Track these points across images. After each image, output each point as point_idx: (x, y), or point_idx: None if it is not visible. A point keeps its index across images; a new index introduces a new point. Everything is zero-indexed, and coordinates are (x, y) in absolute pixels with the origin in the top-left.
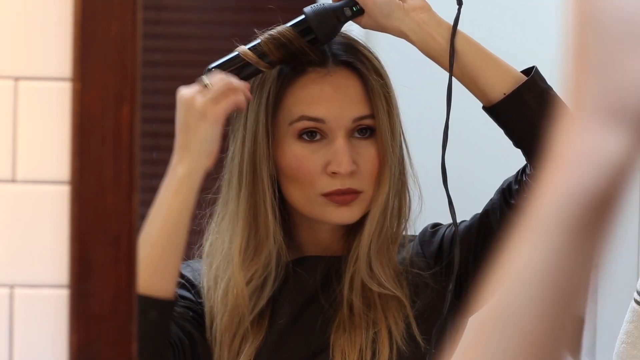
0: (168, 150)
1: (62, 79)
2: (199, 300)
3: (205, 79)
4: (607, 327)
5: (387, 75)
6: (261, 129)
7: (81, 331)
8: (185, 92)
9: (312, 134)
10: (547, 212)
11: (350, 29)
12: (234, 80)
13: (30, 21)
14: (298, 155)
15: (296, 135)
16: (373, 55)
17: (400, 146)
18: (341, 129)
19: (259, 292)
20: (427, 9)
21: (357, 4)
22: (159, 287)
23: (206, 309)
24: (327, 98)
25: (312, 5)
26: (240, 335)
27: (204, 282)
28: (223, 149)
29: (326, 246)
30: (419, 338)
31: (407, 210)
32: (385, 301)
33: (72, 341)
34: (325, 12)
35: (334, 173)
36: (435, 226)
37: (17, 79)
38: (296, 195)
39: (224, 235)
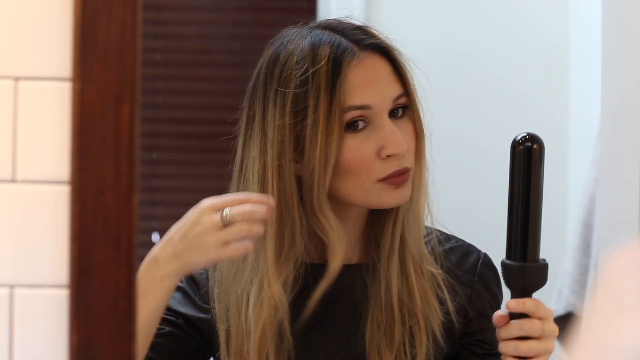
0: (168, 150)
1: (62, 79)
2: (205, 307)
3: (227, 210)
4: None
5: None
6: (287, 133)
7: (81, 331)
8: (203, 213)
9: (356, 124)
10: None
11: (350, 15)
12: (254, 210)
13: (30, 21)
14: (350, 147)
15: (344, 128)
16: (384, 34)
17: None
18: (384, 111)
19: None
20: None
21: None
22: None
23: (220, 329)
24: (367, 84)
25: None
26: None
27: (217, 306)
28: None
29: (348, 256)
30: (454, 318)
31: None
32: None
33: (72, 341)
34: None
35: (388, 156)
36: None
37: (17, 79)
38: (349, 188)
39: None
